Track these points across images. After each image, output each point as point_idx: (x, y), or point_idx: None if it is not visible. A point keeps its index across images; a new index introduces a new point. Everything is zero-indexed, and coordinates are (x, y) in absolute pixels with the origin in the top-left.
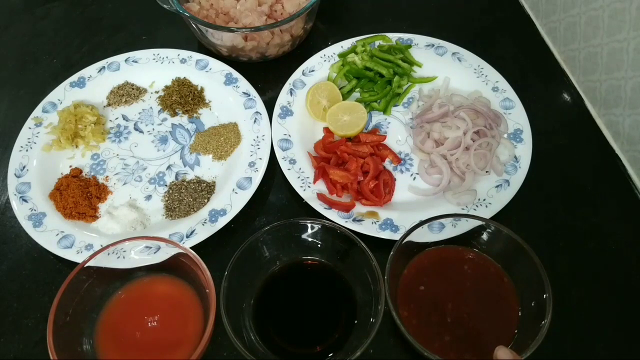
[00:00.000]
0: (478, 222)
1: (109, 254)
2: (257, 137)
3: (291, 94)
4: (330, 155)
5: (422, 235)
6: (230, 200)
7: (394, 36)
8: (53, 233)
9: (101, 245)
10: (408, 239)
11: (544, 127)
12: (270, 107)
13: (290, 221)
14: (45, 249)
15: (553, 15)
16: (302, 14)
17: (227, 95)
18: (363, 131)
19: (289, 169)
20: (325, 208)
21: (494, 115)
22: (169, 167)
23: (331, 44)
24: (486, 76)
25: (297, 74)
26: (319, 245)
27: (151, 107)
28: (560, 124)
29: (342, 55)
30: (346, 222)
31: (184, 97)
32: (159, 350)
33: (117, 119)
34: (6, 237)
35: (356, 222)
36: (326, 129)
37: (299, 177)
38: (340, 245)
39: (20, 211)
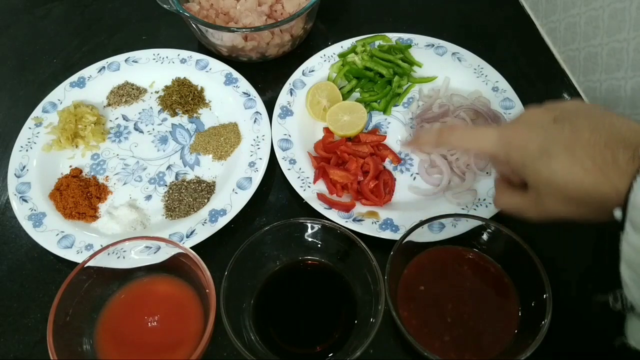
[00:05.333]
0: (478, 222)
1: (109, 254)
2: (257, 137)
3: (291, 94)
4: (330, 155)
5: (422, 235)
6: (230, 200)
7: (394, 36)
8: (53, 233)
9: (101, 245)
10: (408, 239)
11: None
12: (270, 107)
13: (290, 221)
14: (45, 249)
15: (553, 15)
16: (302, 14)
17: (227, 95)
18: (363, 131)
19: (289, 169)
20: (325, 208)
21: (494, 115)
22: (169, 167)
23: (331, 44)
24: (486, 76)
25: (297, 74)
26: (319, 245)
27: (151, 107)
28: None
29: (342, 55)
30: (346, 222)
31: (184, 97)
32: (159, 350)
33: (117, 119)
34: (6, 237)
35: (356, 222)
36: (326, 129)
37: (299, 177)
38: (340, 245)
39: (20, 211)
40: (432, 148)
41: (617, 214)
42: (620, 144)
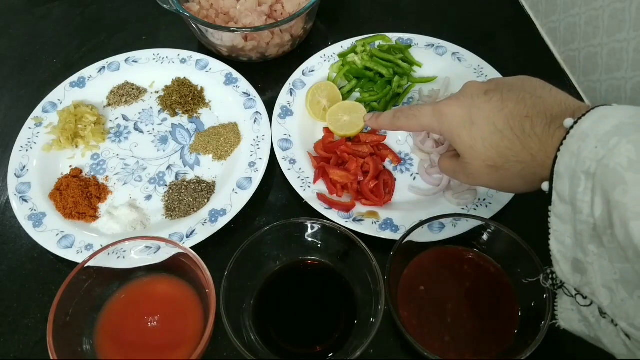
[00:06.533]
0: (478, 222)
1: (109, 254)
2: (257, 137)
3: (291, 94)
4: (330, 155)
5: (422, 235)
6: (230, 200)
7: (394, 36)
8: (53, 233)
9: (101, 245)
10: (408, 239)
11: None
12: (270, 107)
13: (290, 221)
14: (45, 249)
15: (553, 15)
16: (302, 14)
17: (227, 95)
18: (363, 131)
19: (289, 169)
20: (325, 208)
21: None
22: (169, 167)
23: (331, 44)
24: (486, 76)
25: (297, 74)
26: (319, 245)
27: (151, 107)
28: None
29: (342, 55)
30: (346, 222)
31: (184, 97)
32: (159, 350)
33: (117, 119)
34: (6, 237)
35: (356, 222)
36: (326, 129)
37: (299, 177)
38: (340, 245)
39: (20, 211)
40: (389, 129)
41: (545, 186)
42: (541, 115)
